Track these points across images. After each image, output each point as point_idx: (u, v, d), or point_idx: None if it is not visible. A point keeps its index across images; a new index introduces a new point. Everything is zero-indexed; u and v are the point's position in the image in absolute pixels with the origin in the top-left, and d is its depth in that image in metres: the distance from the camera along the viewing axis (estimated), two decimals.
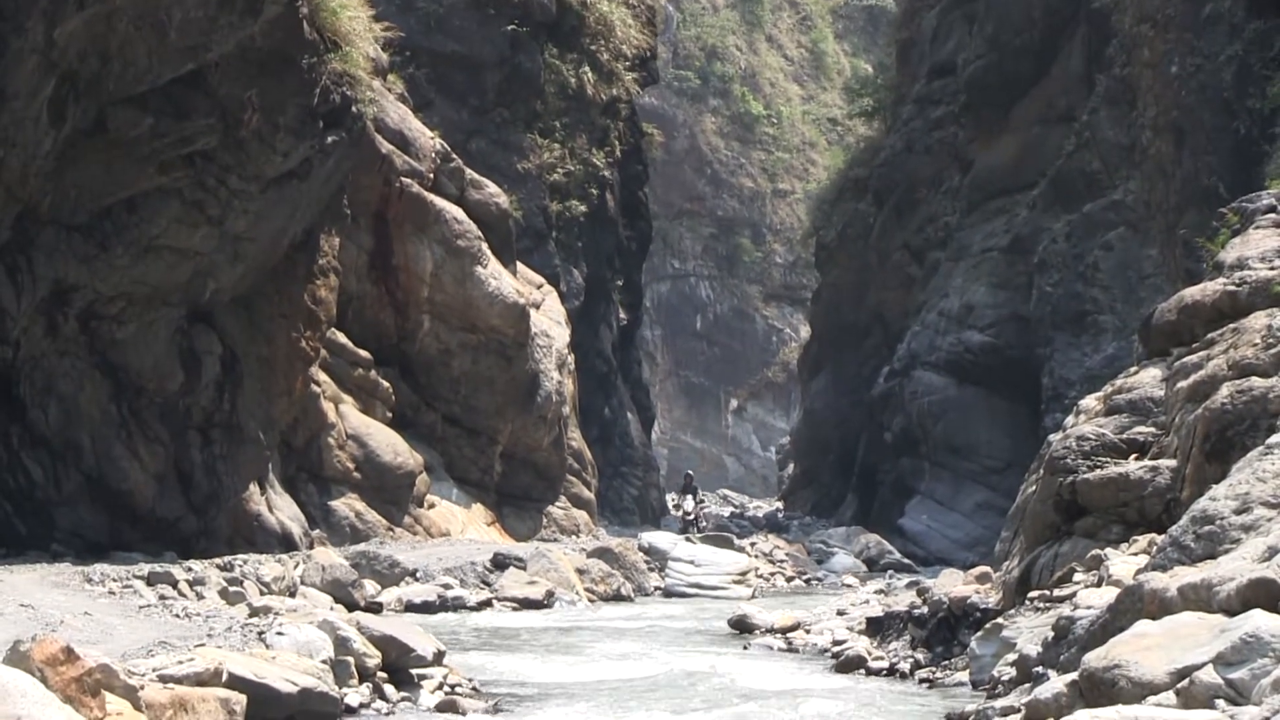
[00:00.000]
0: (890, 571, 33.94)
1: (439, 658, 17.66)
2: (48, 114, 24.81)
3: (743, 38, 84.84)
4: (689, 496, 30.69)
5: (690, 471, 28.49)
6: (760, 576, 33.45)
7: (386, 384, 33.72)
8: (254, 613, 20.25)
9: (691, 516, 27.99)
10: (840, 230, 50.61)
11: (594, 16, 45.47)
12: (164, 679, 14.32)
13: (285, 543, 28.07)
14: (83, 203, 25.78)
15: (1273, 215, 20.56)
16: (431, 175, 34.75)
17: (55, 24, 24.45)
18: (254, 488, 28.31)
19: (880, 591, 25.49)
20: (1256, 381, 16.79)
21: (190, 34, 25.80)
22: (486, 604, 25.76)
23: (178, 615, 19.81)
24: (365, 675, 16.72)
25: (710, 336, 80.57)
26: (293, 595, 22.16)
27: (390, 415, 33.48)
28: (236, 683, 14.60)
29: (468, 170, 36.31)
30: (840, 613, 22.99)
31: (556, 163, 42.63)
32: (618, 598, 29.01)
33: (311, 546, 28.23)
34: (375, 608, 23.11)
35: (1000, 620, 18.56)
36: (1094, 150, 39.84)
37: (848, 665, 19.45)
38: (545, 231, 41.08)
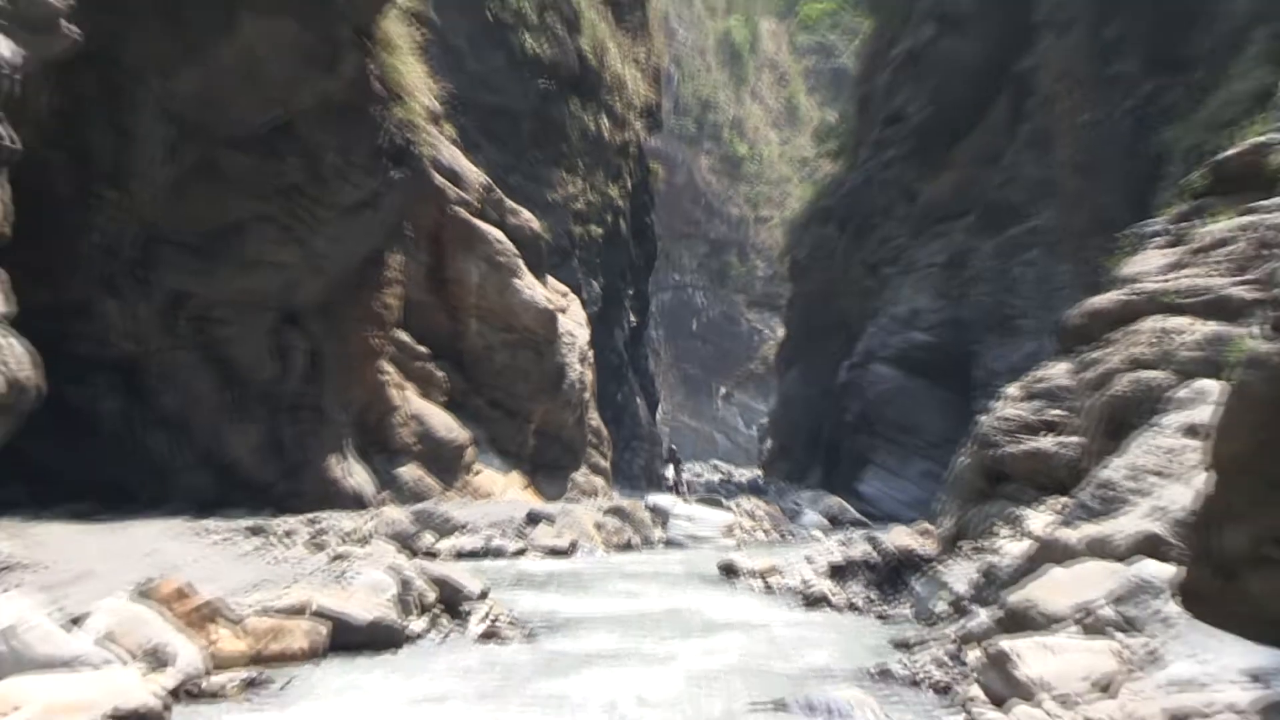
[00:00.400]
0: (849, 527, 33.89)
1: (484, 595, 17.72)
2: (165, 153, 24.92)
3: (731, 92, 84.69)
4: (671, 465, 30.30)
5: (674, 446, 28.18)
6: (743, 530, 33.43)
7: (441, 374, 33.72)
8: (334, 559, 20.30)
9: (672, 483, 27.77)
10: (810, 250, 50.54)
11: (610, 75, 45.40)
12: (263, 611, 14.45)
13: (359, 502, 28.13)
14: (195, 226, 25.87)
15: (1160, 239, 20.65)
16: (477, 204, 34.78)
17: (170, 79, 24.56)
18: (333, 458, 28.38)
19: (841, 543, 25.41)
20: (1146, 374, 16.92)
21: (281, 89, 25.90)
22: (522, 552, 25.78)
23: (272, 561, 19.92)
24: (424, 609, 16.82)
25: (704, 336, 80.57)
26: (365, 544, 22.20)
27: (444, 399, 33.50)
28: (322, 613, 14.73)
29: (506, 200, 36.29)
30: (808, 560, 22.97)
31: (578, 194, 42.56)
32: (628, 547, 29.03)
33: (380, 505, 28.30)
34: (432, 554, 23.13)
35: (937, 566, 18.70)
36: (1017, 185, 39.82)
37: (814, 602, 19.50)
38: (569, 250, 41.03)
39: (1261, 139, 20.80)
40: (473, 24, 38.80)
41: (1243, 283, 17.42)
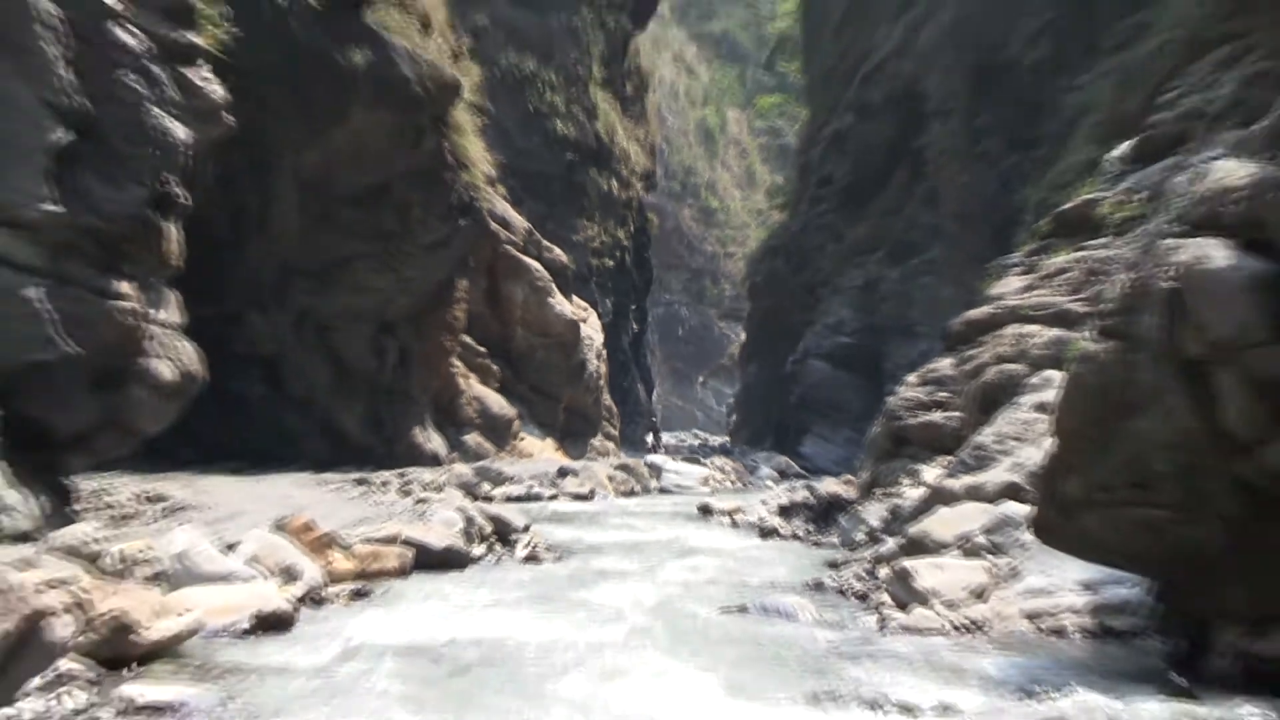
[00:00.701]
0: (793, 478, 33.77)
1: (526, 528, 17.78)
2: (296, 208, 25.02)
3: (705, 162, 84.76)
4: (651, 434, 29.84)
5: (654, 420, 27.86)
6: (716, 481, 33.44)
7: (495, 367, 33.71)
8: (417, 502, 20.39)
9: (651, 446, 27.61)
10: (764, 277, 50.36)
11: (618, 149, 45.39)
12: (366, 540, 14.53)
13: (435, 460, 28.12)
14: (317, 259, 25.94)
15: (1018, 268, 20.67)
16: (521, 244, 34.79)
17: (300, 154, 24.64)
18: (416, 428, 28.42)
19: (787, 490, 25.42)
20: (1008, 366, 16.96)
21: (380, 161, 25.90)
22: (554, 497, 25.80)
23: (372, 504, 19.96)
24: (483, 538, 16.88)
25: (687, 340, 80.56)
26: (440, 491, 22.27)
27: (497, 385, 33.50)
28: (408, 542, 14.78)
29: (543, 240, 36.26)
30: (763, 503, 22.98)
31: (595, 236, 42.53)
32: (631, 493, 29.02)
33: (451, 463, 28.34)
34: (489, 499, 23.13)
35: (858, 506, 18.77)
36: (915, 229, 39.81)
37: (767, 533, 19.53)
38: (588, 277, 41.00)
39: (1090, 196, 20.85)
40: (518, 113, 38.80)
41: (1077, 300, 17.49)
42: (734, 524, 21.44)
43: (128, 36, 14.98)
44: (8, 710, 7.27)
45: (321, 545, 13.58)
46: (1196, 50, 22.68)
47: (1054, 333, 17.01)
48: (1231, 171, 9.19)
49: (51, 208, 13.86)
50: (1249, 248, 8.58)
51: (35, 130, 13.92)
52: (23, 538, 12.27)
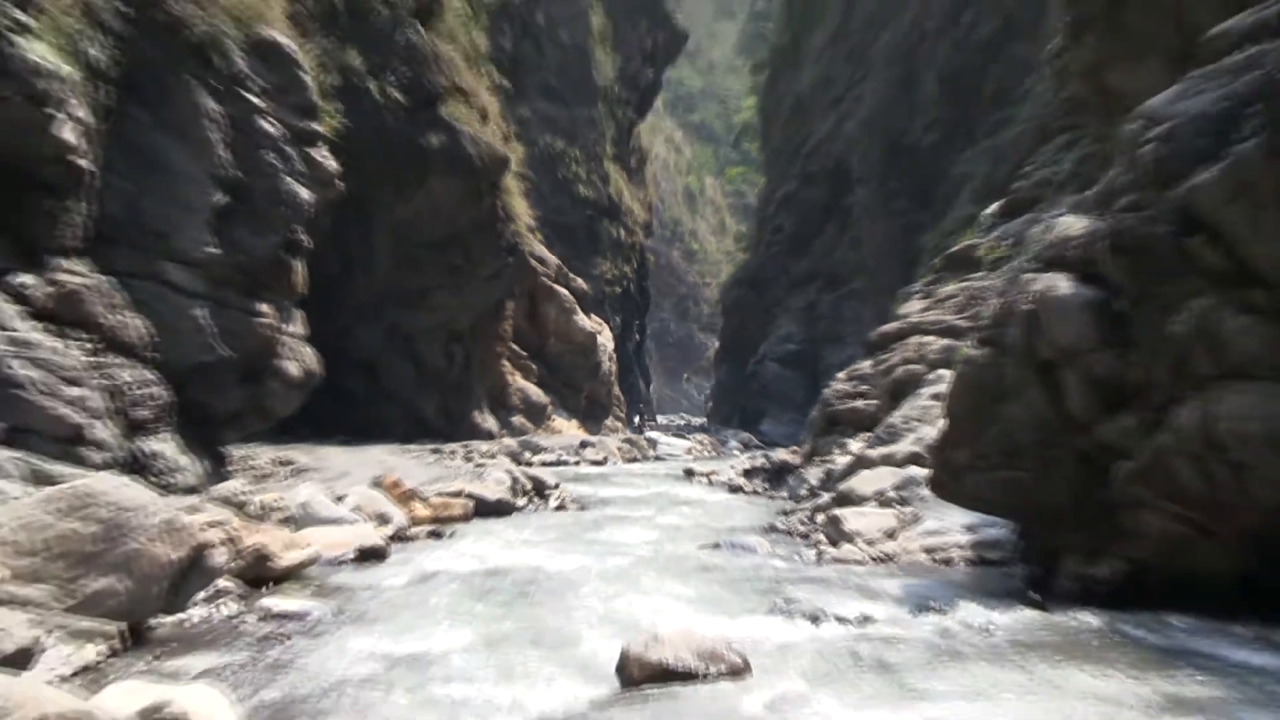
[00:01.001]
0: (755, 449, 33.73)
1: (557, 485, 17.73)
2: (388, 250, 25.02)
3: (689, 216, 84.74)
4: (638, 416, 29.16)
5: (641, 405, 27.10)
6: (696, 451, 33.42)
7: (534, 367, 33.59)
8: (476, 466, 20.32)
9: (638, 425, 27.04)
10: (733, 300, 50.10)
11: (624, 206, 45.28)
12: (439, 494, 14.53)
13: (489, 436, 28.01)
14: (403, 287, 25.88)
15: (918, 295, 20.63)
16: (553, 276, 34.67)
17: (392, 211, 24.64)
18: (476, 412, 28.32)
19: (750, 458, 25.40)
20: (912, 367, 16.92)
21: (450, 216, 25.88)
22: (578, 463, 25.73)
23: (443, 468, 19.92)
24: (524, 493, 16.75)
25: (675, 347, 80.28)
26: (493, 458, 22.17)
27: (535, 380, 33.37)
28: (470, 495, 14.77)
29: (569, 273, 36.21)
30: (732, 467, 22.92)
31: (607, 271, 42.43)
32: (634, 460, 28.94)
33: (501, 438, 28.28)
34: (529, 464, 23.05)
35: (801, 470, 18.74)
36: (843, 266, 39.71)
37: (734, 490, 19.49)
38: (602, 300, 40.88)
39: (970, 242, 20.84)
40: (551, 180, 38.80)
41: (961, 318, 17.46)
42: (710, 483, 21.41)
43: (269, 126, 15.09)
44: (180, 615, 7.30)
45: (406, 497, 13.60)
46: (1045, 137, 22.79)
47: (945, 342, 17.02)
48: (1072, 225, 9.20)
49: (213, 251, 14.02)
50: (1084, 280, 8.59)
51: (202, 195, 14.06)
52: (190, 490, 12.32)
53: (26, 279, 11.72)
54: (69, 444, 11.17)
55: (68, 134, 11.84)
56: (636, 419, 49.31)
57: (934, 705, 5.51)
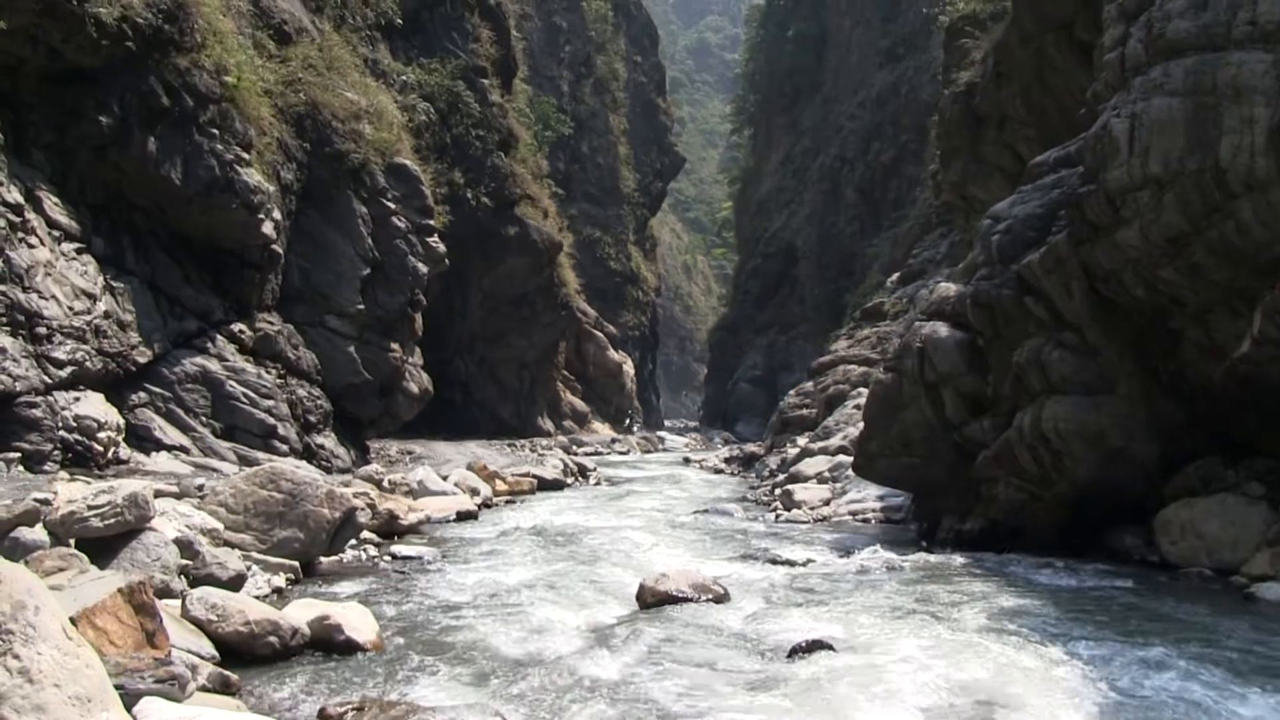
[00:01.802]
0: (734, 444, 33.60)
1: (595, 469, 17.71)
2: (478, 306, 25.01)
3: (686, 282, 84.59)
4: (640, 420, 26.75)
5: (640, 414, 25.28)
6: (692, 445, 33.28)
7: (579, 386, 33.34)
8: (539, 456, 20.29)
9: (636, 426, 25.40)
10: (715, 341, 49.44)
11: (641, 276, 44.93)
12: (513, 474, 14.54)
13: (548, 435, 27.50)
14: (488, 331, 25.77)
15: (843, 337, 20.61)
16: (592, 324, 34.57)
17: (480, 280, 24.60)
18: (538, 418, 27.92)
19: (729, 450, 25.34)
20: (840, 386, 16.91)
21: (520, 282, 25.84)
22: (609, 453, 25.66)
23: (516, 457, 19.87)
24: (572, 474, 16.71)
25: (679, 374, 79.75)
26: (550, 450, 22.08)
27: (580, 395, 33.10)
28: (535, 476, 14.77)
29: (604, 322, 36.21)
30: (717, 456, 22.94)
31: (630, 320, 42.15)
32: (649, 452, 28.76)
33: (556, 437, 28.00)
34: (575, 454, 22.99)
35: (765, 458, 18.65)
36: (794, 317, 39.48)
37: (718, 472, 19.42)
38: (626, 340, 40.48)
39: (879, 300, 20.83)
40: (591, 257, 38.64)
41: (874, 352, 17.44)
42: (701, 467, 21.35)
43: (399, 222, 15.19)
44: (336, 556, 7.32)
45: (491, 476, 13.58)
46: (928, 229, 22.87)
47: (863, 369, 16.98)
48: (948, 288, 9.26)
49: (360, 307, 14.10)
50: (956, 326, 8.65)
51: (353, 268, 14.17)
52: (344, 471, 12.39)
53: (239, 326, 11.98)
54: (265, 438, 11.34)
55: (268, 229, 12.11)
56: (642, 423, 49.03)
57: (853, 614, 5.57)
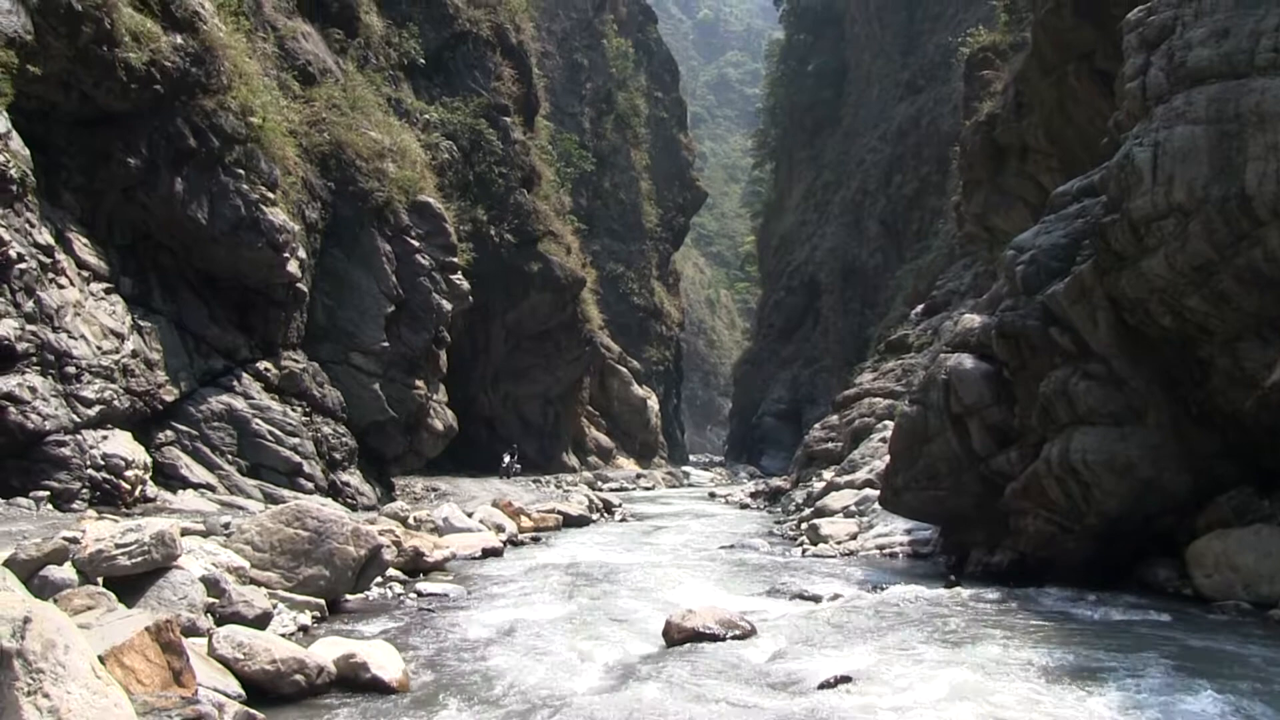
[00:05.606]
0: (759, 478, 33.33)
1: (620, 505, 17.60)
2: (502, 342, 25.22)
3: (710, 316, 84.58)
4: (507, 456, 24.46)
5: (515, 445, 23.69)
6: (717, 479, 33.01)
7: (604, 422, 33.26)
8: (564, 491, 20.14)
9: (505, 465, 23.23)
10: (739, 375, 49.62)
11: (664, 311, 44.96)
12: (539, 511, 14.51)
13: (572, 470, 27.58)
14: (513, 367, 25.91)
15: (869, 369, 20.51)
16: (617, 359, 34.58)
17: (504, 315, 24.78)
18: (562, 454, 27.79)
19: (754, 484, 25.14)
20: (865, 419, 16.78)
21: (545, 317, 25.98)
22: (634, 489, 25.42)
23: (541, 493, 19.79)
24: (598, 510, 16.63)
25: (703, 409, 79.37)
26: (575, 486, 21.92)
27: (605, 431, 33.01)
28: (560, 512, 14.74)
29: (628, 357, 36.24)
30: (742, 490, 22.74)
31: (654, 355, 42.05)
32: (675, 486, 28.50)
33: (580, 472, 27.90)
34: (601, 490, 22.79)
35: (791, 491, 18.49)
36: (817, 350, 39.38)
37: (744, 507, 19.22)
38: (650, 375, 40.47)
39: (904, 332, 20.74)
40: (615, 293, 38.91)
41: (899, 385, 17.34)
42: (726, 501, 21.16)
43: (423, 259, 15.41)
44: (362, 594, 7.37)
45: (516, 513, 13.55)
46: (952, 260, 22.79)
47: (888, 402, 16.86)
48: (972, 320, 9.23)
49: (385, 344, 14.27)
50: (982, 357, 8.60)
51: (378, 306, 14.38)
52: (369, 508, 12.45)
53: (265, 364, 12.15)
54: (290, 476, 11.44)
55: (293, 268, 12.33)
56: (674, 457, 48.65)
57: (880, 650, 5.50)
